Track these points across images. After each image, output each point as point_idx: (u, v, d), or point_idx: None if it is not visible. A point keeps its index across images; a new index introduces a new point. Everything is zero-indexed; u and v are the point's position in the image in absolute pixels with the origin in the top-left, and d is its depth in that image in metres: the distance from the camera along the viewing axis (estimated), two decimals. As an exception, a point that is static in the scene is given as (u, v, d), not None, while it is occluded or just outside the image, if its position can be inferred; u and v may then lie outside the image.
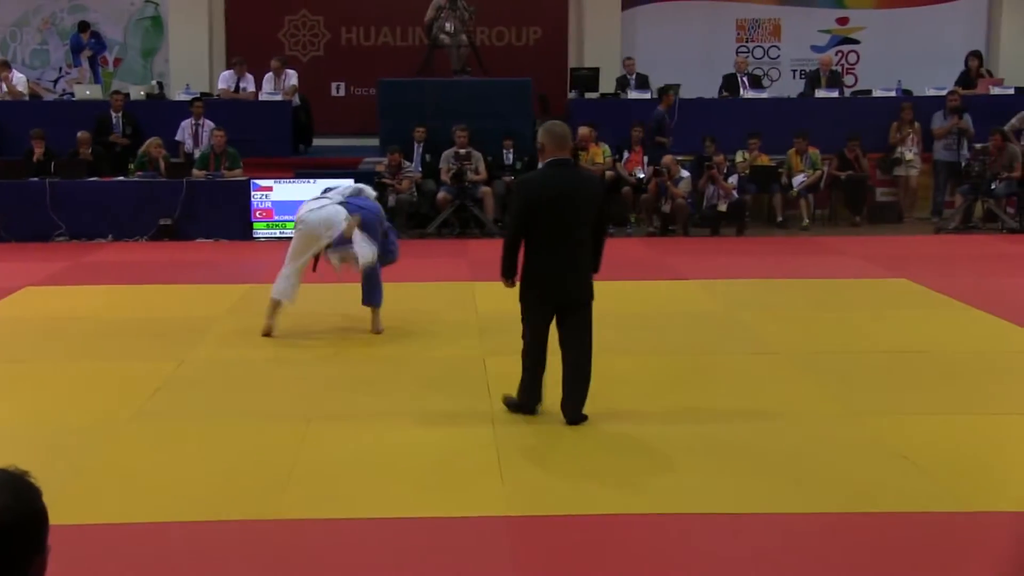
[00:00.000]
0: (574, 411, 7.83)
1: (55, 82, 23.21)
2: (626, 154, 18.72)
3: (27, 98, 20.06)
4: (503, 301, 12.07)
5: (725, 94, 20.53)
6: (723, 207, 17.69)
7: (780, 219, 18.42)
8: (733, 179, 17.84)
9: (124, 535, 5.97)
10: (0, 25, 23.28)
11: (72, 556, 5.52)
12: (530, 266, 7.76)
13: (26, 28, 23.33)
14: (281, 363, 9.59)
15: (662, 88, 19.64)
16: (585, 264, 7.81)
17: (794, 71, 23.68)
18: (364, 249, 10.52)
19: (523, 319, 7.96)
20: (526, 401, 8.03)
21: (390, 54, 23.18)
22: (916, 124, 19.18)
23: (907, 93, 20.41)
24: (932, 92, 19.99)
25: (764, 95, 20.51)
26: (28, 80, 20.73)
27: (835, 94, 20.19)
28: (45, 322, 11.36)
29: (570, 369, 7.86)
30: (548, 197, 7.58)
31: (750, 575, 5.48)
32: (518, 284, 7.92)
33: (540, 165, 7.93)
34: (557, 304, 7.82)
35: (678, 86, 19.88)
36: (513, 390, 8.14)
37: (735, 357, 9.80)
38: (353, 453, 7.25)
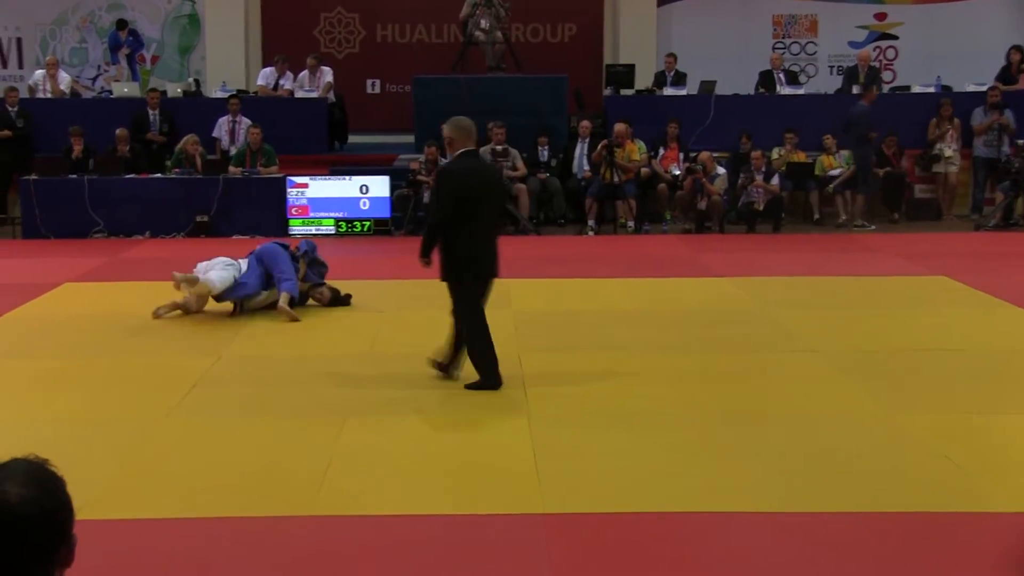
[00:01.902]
0: (456, 374, 8.77)
1: (93, 80, 23.33)
2: (661, 151, 18.67)
3: (68, 96, 20.21)
4: (537, 298, 12.13)
5: (762, 90, 20.43)
6: (760, 205, 17.59)
7: (817, 216, 18.32)
8: (775, 180, 17.66)
9: (162, 530, 5.99)
10: (40, 24, 23.42)
11: (111, 551, 5.55)
12: (462, 250, 8.45)
13: (65, 27, 23.47)
14: (316, 360, 9.60)
15: (865, 84, 19.28)
16: (496, 242, 8.68)
17: (831, 67, 23.53)
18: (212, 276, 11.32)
19: (460, 304, 8.63)
20: (493, 377, 8.57)
21: (425, 51, 23.17)
22: (955, 120, 19.01)
23: (946, 89, 20.22)
24: (972, 88, 19.82)
25: (801, 91, 20.39)
26: (71, 79, 20.88)
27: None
28: (83, 318, 11.43)
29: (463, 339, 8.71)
30: (472, 185, 8.39)
31: (792, 575, 5.45)
32: (448, 274, 8.56)
33: (449, 156, 8.74)
34: (486, 281, 8.65)
35: (714, 82, 19.82)
36: (551, 385, 8.19)
37: (772, 355, 9.75)
38: (388, 449, 7.26)
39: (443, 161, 17.46)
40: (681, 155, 18.51)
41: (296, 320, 11.08)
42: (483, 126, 18.26)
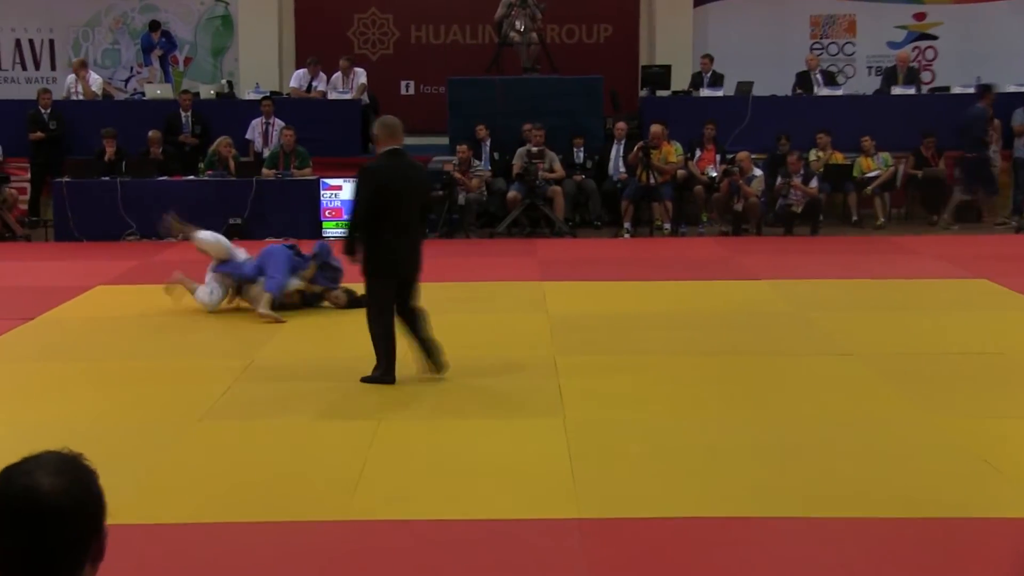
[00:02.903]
0: (443, 362, 8.98)
1: (126, 81, 23.46)
2: (698, 152, 18.63)
3: (100, 98, 20.31)
4: (573, 301, 12.13)
5: (799, 91, 20.36)
6: (798, 208, 17.50)
7: (855, 218, 18.23)
8: (814, 182, 17.56)
9: (194, 535, 6.01)
10: (72, 25, 23.57)
11: (141, 557, 5.58)
12: (379, 247, 8.70)
13: (98, 28, 23.61)
14: (350, 362, 9.60)
15: (982, 86, 19.21)
16: (418, 242, 8.96)
17: (870, 68, 23.41)
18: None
19: (370, 300, 9.00)
20: (389, 371, 8.85)
21: (460, 52, 23.19)
22: (996, 121, 18.88)
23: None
24: (1013, 88, 19.68)
25: (839, 92, 20.29)
26: (102, 80, 20.98)
27: (912, 91, 19.95)
28: (116, 321, 11.50)
29: (423, 331, 8.98)
30: (390, 184, 8.64)
31: (827, 581, 5.43)
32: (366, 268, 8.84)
33: (377, 153, 9.11)
34: (402, 279, 8.85)
35: (751, 83, 19.76)
36: (587, 389, 8.18)
37: (809, 359, 9.72)
38: (423, 453, 7.26)
39: (475, 162, 17.54)
40: (718, 156, 18.46)
41: (280, 322, 11.19)
42: (518, 127, 18.34)
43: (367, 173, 8.88)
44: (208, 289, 11.71)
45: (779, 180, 17.62)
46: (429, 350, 9.01)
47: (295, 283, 11.63)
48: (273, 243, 12.31)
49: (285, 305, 11.55)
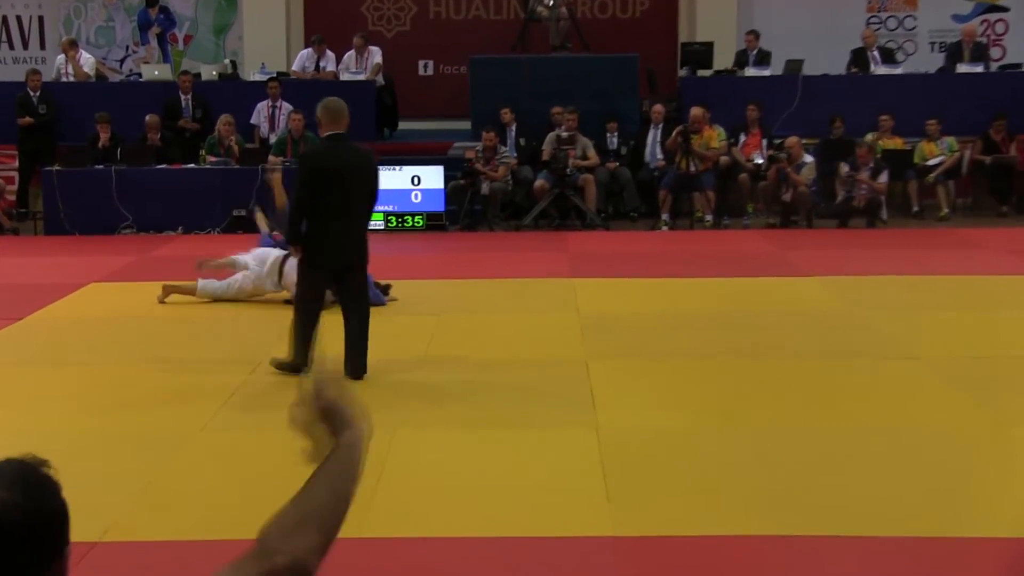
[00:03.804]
0: (360, 367, 9.09)
1: (121, 62, 23.55)
2: (742, 137, 18.57)
3: (93, 80, 20.36)
4: (606, 299, 12.13)
5: (854, 70, 20.26)
6: (861, 203, 17.35)
7: (916, 209, 18.15)
8: (883, 176, 17.34)
9: (196, 553, 6.03)
10: (63, 1, 23.68)
11: None
12: (315, 234, 9.01)
13: (91, 4, 23.69)
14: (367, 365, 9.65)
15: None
16: (361, 232, 9.19)
17: (932, 44, 23.30)
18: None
19: (300, 287, 9.35)
20: (300, 361, 8.97)
21: (483, 28, 23.20)
22: (1073, 101, 18.80)
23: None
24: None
25: (898, 71, 20.22)
26: (95, 60, 21.03)
27: (979, 69, 19.84)
28: (111, 321, 11.55)
29: (354, 329, 9.17)
30: (332, 169, 8.93)
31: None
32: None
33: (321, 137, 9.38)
34: (337, 269, 9.11)
35: (801, 61, 19.70)
36: (621, 395, 8.18)
37: (865, 362, 9.69)
38: (443, 466, 7.27)
39: (501, 148, 17.55)
40: (764, 142, 18.39)
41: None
42: (546, 111, 18.33)
43: (303, 158, 9.44)
44: (227, 283, 11.90)
45: (845, 170, 17.42)
46: (349, 353, 9.12)
47: None
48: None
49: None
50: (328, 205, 8.90)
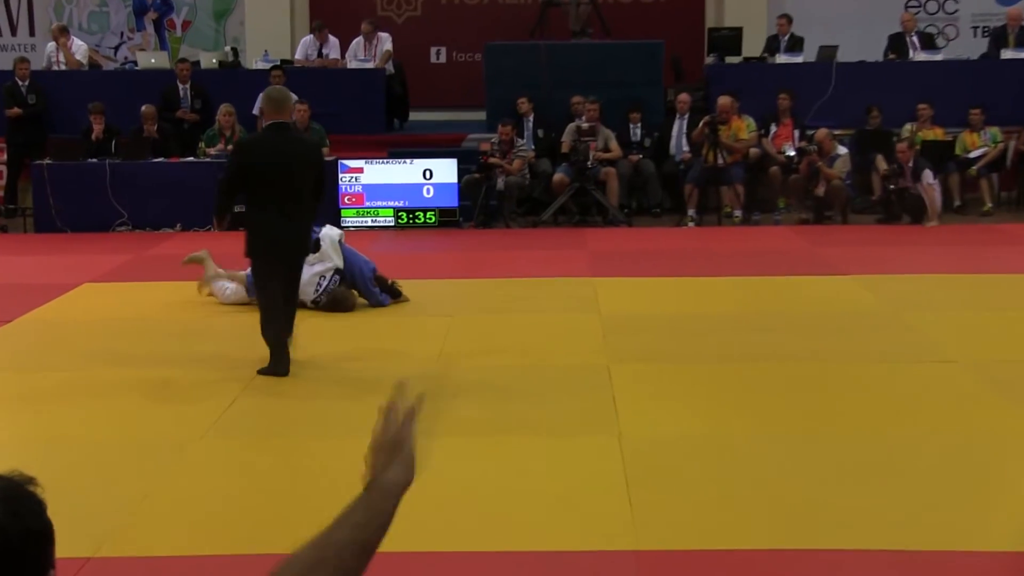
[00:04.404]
0: (281, 369, 9.42)
1: (115, 49, 23.60)
2: (773, 127, 18.53)
3: (86, 68, 20.38)
4: (629, 300, 12.13)
5: (891, 56, 20.23)
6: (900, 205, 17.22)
7: (958, 203, 18.11)
8: (928, 176, 17.02)
9: (194, 570, 6.05)
10: (55, -16, 23.75)
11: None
12: (253, 225, 9.43)
13: (83, -13, 23.78)
14: (375, 369, 9.64)
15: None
16: (302, 222, 9.58)
17: (975, 28, 23.26)
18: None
19: (255, 279, 9.87)
20: (282, 364, 9.42)
21: (498, 13, 23.22)
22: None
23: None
24: None
25: (939, 57, 20.16)
26: (88, 48, 21.04)
27: (1025, 55, 19.81)
28: (105, 324, 11.57)
29: (288, 320, 9.67)
30: (265, 158, 9.27)
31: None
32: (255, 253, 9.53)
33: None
34: (278, 259, 9.48)
35: (836, 47, 19.67)
36: (645, 402, 8.19)
37: (905, 366, 9.68)
38: (456, 476, 7.26)
39: (518, 141, 17.55)
40: (796, 132, 18.33)
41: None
42: (566, 100, 18.32)
43: (237, 145, 10.15)
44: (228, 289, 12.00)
45: (887, 169, 17.25)
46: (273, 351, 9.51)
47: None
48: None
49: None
50: (265, 195, 9.30)
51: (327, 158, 17.59)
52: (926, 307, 11.74)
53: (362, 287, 11.80)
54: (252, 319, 10.33)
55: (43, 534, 2.23)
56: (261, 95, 9.88)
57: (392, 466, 2.62)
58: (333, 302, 11.60)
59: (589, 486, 7.06)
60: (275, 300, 9.49)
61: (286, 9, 23.06)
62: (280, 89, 9.89)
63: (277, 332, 9.48)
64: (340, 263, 11.65)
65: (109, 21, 23.86)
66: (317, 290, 11.52)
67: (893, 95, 18.60)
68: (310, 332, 11.04)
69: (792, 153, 17.98)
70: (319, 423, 8.36)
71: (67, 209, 17.41)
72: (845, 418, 8.33)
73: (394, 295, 11.96)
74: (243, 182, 9.45)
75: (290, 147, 9.44)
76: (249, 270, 11.80)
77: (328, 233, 11.70)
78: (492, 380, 9.23)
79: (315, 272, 11.47)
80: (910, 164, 17.12)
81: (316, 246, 11.47)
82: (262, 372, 9.42)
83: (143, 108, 18.35)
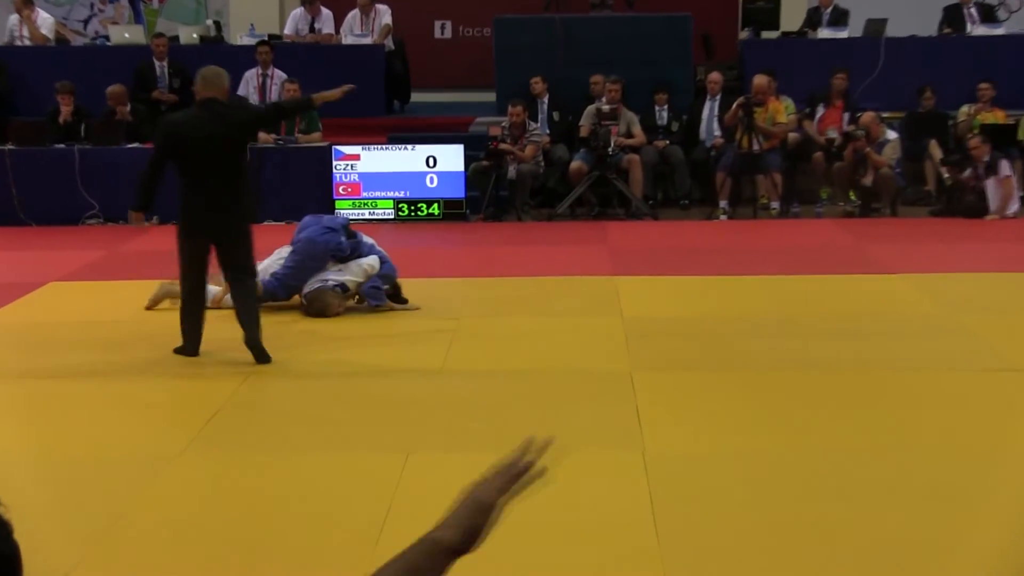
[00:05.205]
0: (259, 344, 10.05)
1: (85, 22, 23.64)
2: (820, 110, 18.43)
3: (52, 43, 20.38)
4: (654, 301, 12.12)
5: (947, 30, 20.21)
6: (970, 196, 17.10)
7: (1021, 193, 18.06)
8: (1005, 167, 16.91)
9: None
10: (17, -49, 23.76)
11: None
12: (181, 203, 10.00)
13: (50, -45, 23.80)
14: (371, 378, 9.65)
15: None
16: (233, 201, 10.03)
17: (1040, -2, 23.25)
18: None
19: (180, 265, 10.22)
20: (190, 344, 10.19)
21: (509, -17, 23.23)
22: None
23: None
24: None
25: (1000, 31, 20.14)
26: (55, 21, 21.04)
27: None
28: (74, 327, 11.57)
29: (238, 304, 10.23)
30: (182, 136, 9.93)
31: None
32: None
33: None
34: (206, 239, 10.06)
35: (884, 21, 19.64)
36: (672, 414, 8.19)
37: (961, 376, 9.66)
38: (464, 496, 7.26)
39: (531, 124, 17.54)
40: (846, 116, 18.22)
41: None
42: (584, 80, 18.30)
43: (161, 122, 10.60)
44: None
45: (968, 172, 17.08)
46: (245, 333, 10.09)
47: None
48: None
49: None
50: (190, 172, 9.93)
51: (319, 144, 17.65)
52: (986, 310, 11.73)
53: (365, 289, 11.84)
54: (234, 324, 10.36)
55: (10, 558, 2.24)
56: (197, 74, 10.33)
57: (464, 527, 2.60)
58: (309, 300, 11.62)
59: (610, 507, 7.04)
60: (192, 283, 10.15)
61: (274, -22, 23.10)
62: (213, 68, 10.23)
63: (185, 315, 10.22)
64: (352, 283, 11.69)
65: (78, -9, 23.88)
66: (312, 286, 11.58)
67: (948, 73, 18.59)
68: (303, 336, 11.07)
69: (834, 135, 17.89)
70: (308, 438, 8.35)
71: (31, 200, 17.44)
72: (895, 434, 8.31)
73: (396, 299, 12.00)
74: (167, 162, 10.03)
75: (211, 123, 9.93)
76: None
77: (371, 263, 11.82)
78: (501, 390, 9.23)
79: (321, 278, 11.56)
80: (985, 159, 16.99)
81: (348, 251, 11.79)
82: (177, 351, 10.22)
83: (110, 88, 18.32)
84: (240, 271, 10.20)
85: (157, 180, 10.15)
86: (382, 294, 11.82)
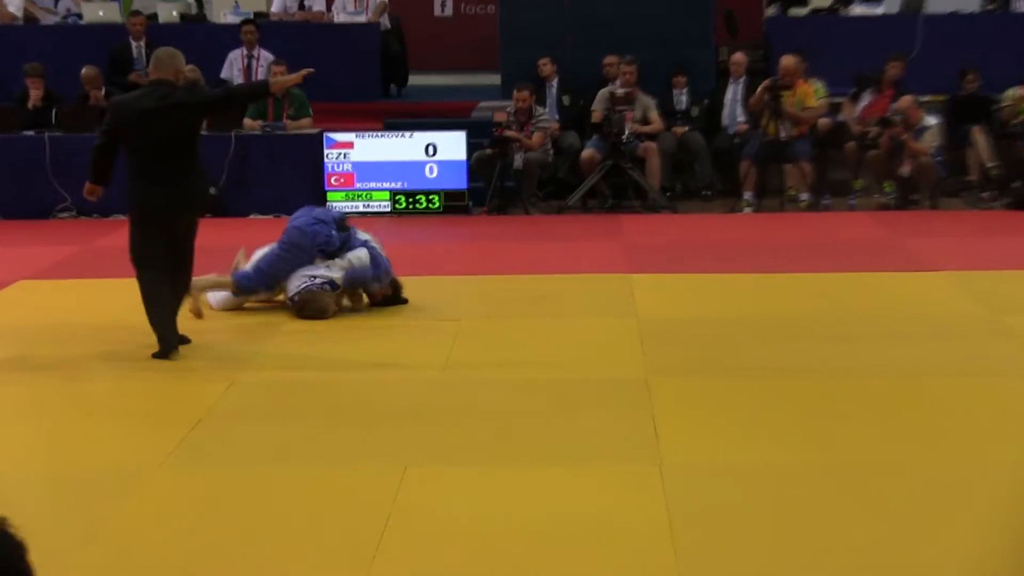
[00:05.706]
0: (169, 349, 10.36)
1: (56, 0, 23.63)
2: (866, 96, 18.27)
3: (20, 23, 20.39)
4: (672, 301, 12.13)
5: (991, 7, 20.20)
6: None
7: (1071, 184, 18.10)
8: None
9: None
10: (-17, -78, 23.78)
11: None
12: (130, 186, 10.41)
13: (17, -75, 23.79)
14: (367, 383, 9.67)
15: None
16: (179, 180, 10.44)
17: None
18: None
19: (132, 252, 10.58)
20: (163, 338, 10.37)
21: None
22: None
23: None
24: None
25: (1049, 7, 20.17)
26: (22, -2, 21.11)
27: None
28: (45, 328, 11.60)
29: (175, 289, 10.61)
30: (127, 117, 10.42)
31: None
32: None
33: None
34: (157, 224, 10.45)
35: (923, -4, 19.68)
36: (690, 422, 8.21)
37: (1007, 382, 9.66)
38: (465, 512, 7.28)
39: (539, 109, 17.56)
40: (893, 107, 18.05)
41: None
42: (597, 61, 18.31)
43: (109, 105, 11.28)
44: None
45: (985, 142, 17.12)
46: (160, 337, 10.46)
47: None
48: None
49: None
50: (139, 156, 10.39)
51: (309, 131, 17.65)
52: (1032, 310, 11.75)
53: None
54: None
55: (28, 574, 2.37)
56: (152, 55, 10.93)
57: None
58: (303, 302, 11.61)
59: (625, 524, 7.05)
60: (148, 272, 10.44)
61: (261, -49, 23.10)
62: (167, 49, 10.81)
63: (150, 310, 10.45)
64: (339, 279, 11.69)
65: (48, -34, 23.89)
66: (299, 287, 11.56)
67: (993, 54, 18.58)
68: (294, 338, 11.09)
69: (872, 128, 17.78)
70: (297, 448, 8.35)
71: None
72: (932, 445, 8.30)
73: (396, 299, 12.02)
74: (116, 144, 10.51)
75: (157, 105, 10.32)
76: (232, 270, 12.00)
77: (358, 256, 11.83)
78: (505, 398, 9.24)
79: (308, 274, 11.55)
80: None
81: (337, 245, 11.83)
82: (155, 356, 10.32)
83: (83, 71, 18.34)
84: (180, 265, 10.61)
85: (108, 156, 10.58)
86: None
